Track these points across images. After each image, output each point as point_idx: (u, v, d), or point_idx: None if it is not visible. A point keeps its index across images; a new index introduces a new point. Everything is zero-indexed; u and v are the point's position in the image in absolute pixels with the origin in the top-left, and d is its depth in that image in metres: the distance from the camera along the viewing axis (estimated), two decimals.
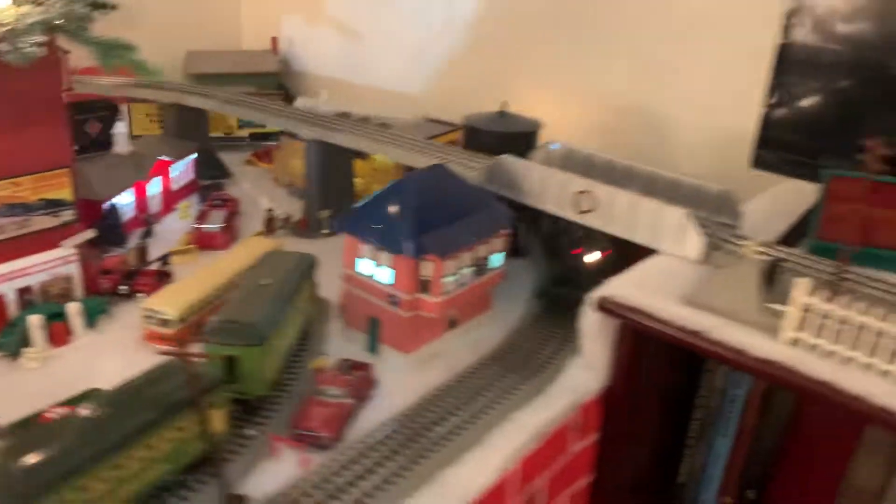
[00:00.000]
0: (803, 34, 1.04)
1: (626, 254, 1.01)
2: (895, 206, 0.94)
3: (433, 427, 0.90)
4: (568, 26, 1.57)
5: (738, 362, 0.79)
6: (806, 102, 1.07)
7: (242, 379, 0.86)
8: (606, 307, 0.88)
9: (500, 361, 1.03)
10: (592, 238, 1.07)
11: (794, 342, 0.78)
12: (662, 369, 1.03)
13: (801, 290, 0.76)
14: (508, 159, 1.10)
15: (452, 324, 1.06)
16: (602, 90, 1.55)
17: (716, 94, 1.32)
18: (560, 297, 1.11)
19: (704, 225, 1.01)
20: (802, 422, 1.12)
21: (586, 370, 0.98)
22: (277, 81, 2.04)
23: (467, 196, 1.05)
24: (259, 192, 1.53)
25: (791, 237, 1.02)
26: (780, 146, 1.08)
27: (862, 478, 1.08)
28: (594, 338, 0.94)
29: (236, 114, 1.54)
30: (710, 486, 1.19)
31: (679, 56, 1.42)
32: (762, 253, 0.91)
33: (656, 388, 1.04)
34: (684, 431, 1.15)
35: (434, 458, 0.85)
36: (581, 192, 1.03)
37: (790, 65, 1.06)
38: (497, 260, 1.07)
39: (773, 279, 0.83)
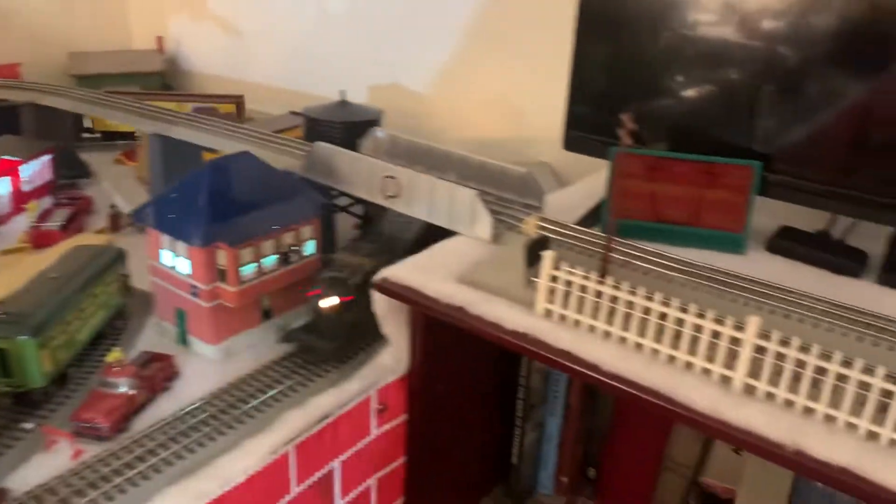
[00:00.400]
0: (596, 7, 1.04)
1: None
2: (675, 180, 0.95)
3: (220, 415, 0.89)
4: (436, 20, 1.58)
5: (496, 337, 0.79)
6: (605, 79, 1.08)
7: (15, 371, 0.85)
8: (385, 288, 0.88)
9: (313, 350, 1.03)
10: (338, 281, 0.96)
11: (547, 314, 0.79)
12: (472, 349, 1.03)
13: (547, 263, 0.77)
14: (323, 146, 1.10)
15: (267, 314, 1.06)
16: (469, 82, 1.57)
17: (554, 77, 1.34)
18: (304, 345, 0.98)
19: (505, 206, 1.02)
20: (625, 401, 1.13)
21: (391, 354, 0.98)
22: (163, 81, 2.02)
23: (275, 184, 1.05)
24: (117, 190, 1.52)
25: (595, 216, 1.03)
26: (586, 127, 1.09)
27: (680, 453, 1.10)
28: (389, 321, 0.94)
29: (90, 112, 1.52)
30: (547, 465, 1.20)
31: (531, 44, 1.44)
32: (542, 229, 0.92)
33: (467, 368, 1.05)
34: (512, 412, 1.16)
35: (213, 445, 0.85)
36: (387, 178, 1.03)
37: (588, 43, 1.07)
38: (311, 248, 1.06)
39: (540, 254, 0.84)
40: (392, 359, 0.98)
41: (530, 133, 1.51)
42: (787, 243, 0.95)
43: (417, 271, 0.88)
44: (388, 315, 0.94)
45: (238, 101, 1.74)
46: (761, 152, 0.96)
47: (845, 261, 0.91)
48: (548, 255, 0.77)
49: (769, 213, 1.00)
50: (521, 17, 1.46)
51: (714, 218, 0.95)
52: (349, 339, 0.98)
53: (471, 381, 1.08)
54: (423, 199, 1.01)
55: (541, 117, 1.47)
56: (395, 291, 0.87)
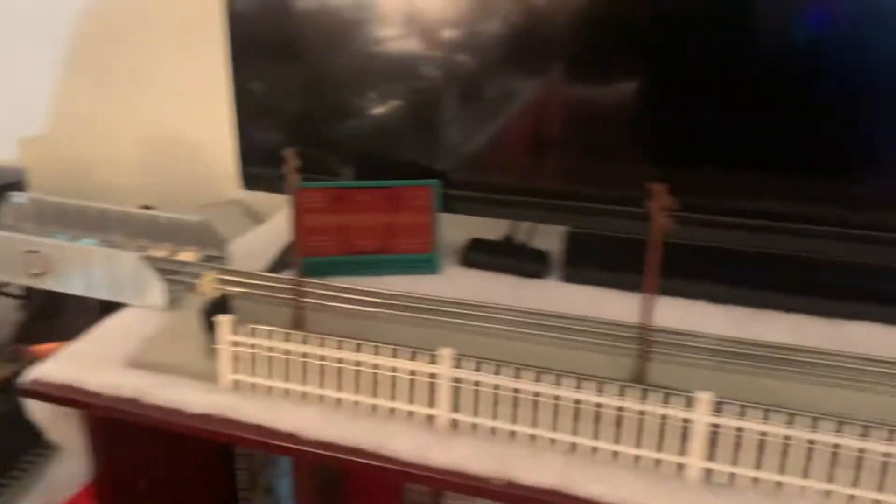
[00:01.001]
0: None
1: None
2: (361, 209, 0.91)
3: None
4: (97, 64, 1.39)
5: (179, 425, 0.68)
6: (276, 108, 1.01)
7: None
8: (37, 392, 0.72)
9: None
10: None
11: (235, 386, 0.69)
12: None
13: (224, 328, 0.68)
14: None
15: None
16: (129, 123, 1.41)
17: (224, 107, 1.24)
18: None
19: (183, 263, 0.91)
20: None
21: (66, 464, 0.82)
22: None
23: None
24: None
25: (286, 259, 0.96)
26: (263, 161, 1.02)
27: (415, 486, 1.06)
28: (55, 427, 0.78)
29: None
30: None
31: (190, 72, 1.33)
32: (224, 284, 0.83)
33: (173, 452, 0.92)
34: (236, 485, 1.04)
35: None
36: (29, 252, 0.86)
37: (248, 70, 0.99)
38: None
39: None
40: (69, 469, 0.82)
41: (213, 169, 1.39)
42: (477, 255, 0.95)
43: (75, 362, 0.74)
44: (53, 420, 0.77)
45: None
46: (443, 169, 0.95)
47: (530, 264, 0.94)
48: (223, 320, 0.68)
49: (468, 226, 1.00)
50: (168, 46, 1.33)
51: (405, 242, 0.92)
52: None
53: (180, 464, 0.94)
54: (78, 271, 0.85)
55: (222, 151, 1.36)
56: (48, 394, 0.72)
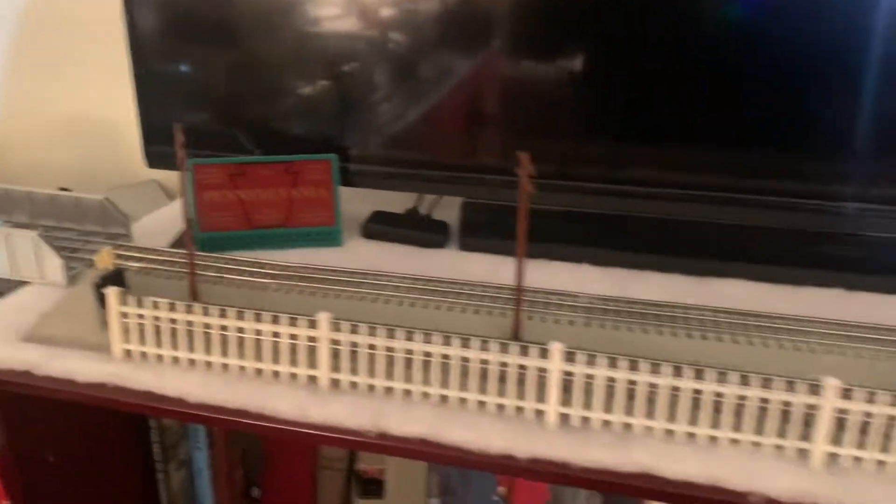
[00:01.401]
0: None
1: None
2: (260, 184, 0.93)
3: None
4: (13, 47, 1.38)
5: (73, 395, 0.70)
6: (175, 86, 1.02)
7: None
8: None
9: None
10: None
11: (126, 355, 0.72)
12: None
13: (112, 300, 0.70)
14: None
15: None
16: (57, 105, 1.40)
17: None
18: None
19: (87, 241, 0.92)
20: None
21: None
22: None
23: None
24: None
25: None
26: (164, 140, 1.03)
27: (332, 449, 1.10)
28: None
29: None
30: (205, 500, 1.13)
31: (105, 53, 1.32)
32: (122, 258, 0.85)
33: (82, 425, 0.94)
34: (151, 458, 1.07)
35: None
36: None
37: (143, 40, 1.00)
38: None
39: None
40: None
41: (131, 150, 1.39)
42: (378, 227, 0.98)
43: None
44: None
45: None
46: (344, 144, 0.98)
47: (431, 235, 0.97)
48: (111, 292, 0.70)
49: (376, 200, 1.03)
50: (86, 28, 1.33)
51: (307, 215, 0.95)
52: None
53: (92, 438, 0.96)
54: None
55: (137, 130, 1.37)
56: None
